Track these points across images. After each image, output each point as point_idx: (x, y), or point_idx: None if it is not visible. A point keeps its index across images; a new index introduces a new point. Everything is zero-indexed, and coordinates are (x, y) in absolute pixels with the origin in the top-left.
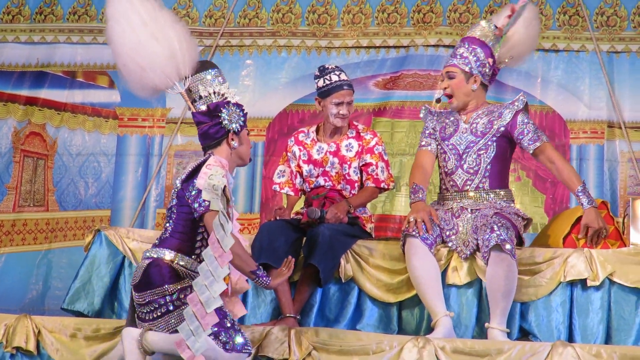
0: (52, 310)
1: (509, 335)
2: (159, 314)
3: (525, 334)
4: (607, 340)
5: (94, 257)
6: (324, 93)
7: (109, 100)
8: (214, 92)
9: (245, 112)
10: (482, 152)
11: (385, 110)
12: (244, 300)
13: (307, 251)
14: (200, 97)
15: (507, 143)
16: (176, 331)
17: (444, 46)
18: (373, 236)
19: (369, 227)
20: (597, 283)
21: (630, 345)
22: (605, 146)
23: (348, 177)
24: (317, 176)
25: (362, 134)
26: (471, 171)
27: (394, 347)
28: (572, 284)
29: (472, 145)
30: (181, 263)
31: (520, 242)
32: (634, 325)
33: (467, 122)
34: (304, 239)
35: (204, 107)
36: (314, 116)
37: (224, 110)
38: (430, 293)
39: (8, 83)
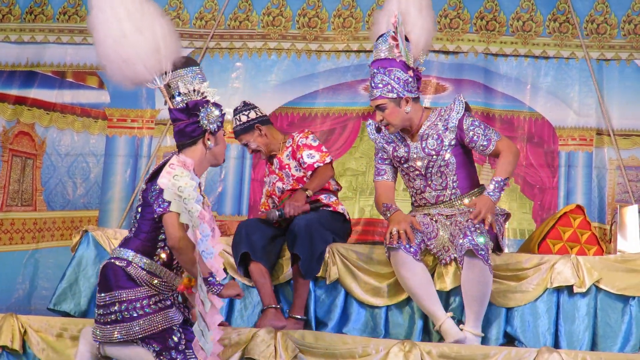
0: (38, 310)
1: (484, 339)
2: (109, 320)
3: (511, 340)
4: (593, 346)
5: (81, 258)
6: (241, 132)
7: (98, 101)
8: (194, 90)
9: (223, 112)
10: (443, 168)
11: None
12: (232, 301)
13: (289, 245)
14: (179, 94)
15: (463, 148)
16: (125, 342)
17: (434, 51)
18: (347, 216)
19: (340, 208)
20: (584, 290)
21: (616, 352)
22: (593, 153)
23: (293, 178)
24: (282, 192)
25: (294, 137)
26: (440, 187)
27: (380, 350)
28: (558, 290)
29: (431, 165)
30: (140, 264)
31: (498, 245)
32: (619, 332)
33: (416, 141)
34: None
35: (182, 105)
36: (304, 119)
37: (202, 110)
38: (426, 299)
39: None
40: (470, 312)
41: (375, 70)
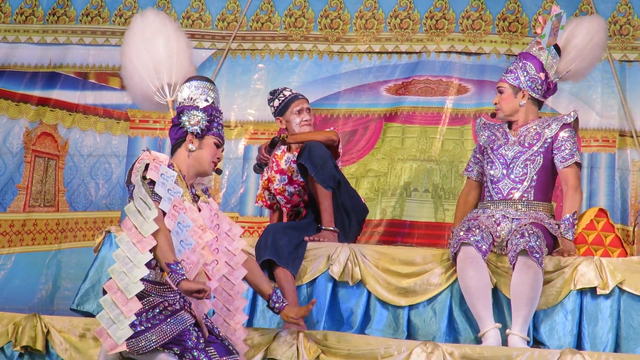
0: (61, 310)
1: (528, 343)
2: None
3: (535, 342)
4: (616, 348)
5: (104, 259)
6: (282, 109)
7: (120, 102)
8: (188, 98)
9: (213, 119)
10: (529, 162)
11: (396, 115)
12: (254, 302)
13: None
14: (179, 103)
15: (552, 157)
16: (140, 353)
17: (456, 52)
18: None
19: None
20: (607, 291)
21: (639, 354)
22: (616, 155)
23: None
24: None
25: None
26: (517, 180)
27: (403, 351)
28: (581, 292)
29: (519, 155)
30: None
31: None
32: None
33: (516, 135)
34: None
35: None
36: (326, 120)
37: (186, 112)
38: (480, 304)
39: (20, 83)
40: (518, 315)
41: (515, 59)
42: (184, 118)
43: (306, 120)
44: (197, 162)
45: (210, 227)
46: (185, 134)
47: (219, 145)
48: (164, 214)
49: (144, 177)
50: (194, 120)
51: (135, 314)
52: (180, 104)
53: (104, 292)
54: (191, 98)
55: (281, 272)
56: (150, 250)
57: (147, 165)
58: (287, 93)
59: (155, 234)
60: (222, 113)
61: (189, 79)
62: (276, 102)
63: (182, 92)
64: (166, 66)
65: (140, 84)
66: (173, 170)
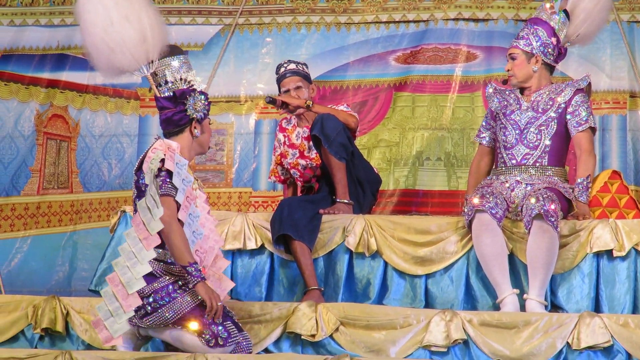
0: (78, 292)
1: (546, 307)
2: (142, 313)
3: (552, 306)
4: (635, 310)
5: (120, 238)
6: (278, 87)
7: (130, 81)
8: (181, 79)
9: (209, 101)
10: (542, 127)
11: (406, 84)
12: (271, 277)
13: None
14: (166, 82)
15: (566, 122)
16: (161, 327)
17: (464, 19)
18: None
19: None
20: (623, 253)
21: None
22: (627, 116)
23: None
24: (305, 168)
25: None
26: (531, 145)
27: (421, 321)
28: (598, 254)
29: (533, 120)
30: (156, 257)
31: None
32: None
33: (529, 101)
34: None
35: (169, 93)
36: (335, 92)
37: (189, 98)
38: (497, 271)
39: (29, 66)
40: (535, 280)
41: (525, 25)
42: (189, 105)
43: (285, 109)
44: (199, 145)
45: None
46: (189, 119)
47: (211, 124)
48: (178, 206)
49: (159, 170)
50: (199, 107)
51: (156, 290)
52: (171, 83)
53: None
54: (185, 79)
55: (298, 246)
56: (162, 247)
57: (157, 156)
58: (280, 70)
59: (170, 234)
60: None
61: (170, 53)
62: (275, 79)
63: (169, 69)
64: (150, 41)
65: (114, 57)
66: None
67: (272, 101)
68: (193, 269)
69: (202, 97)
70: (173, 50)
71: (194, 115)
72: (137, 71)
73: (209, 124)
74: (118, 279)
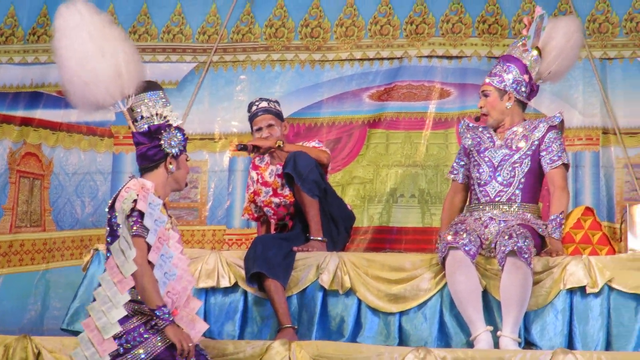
0: (51, 330)
1: (520, 344)
2: (114, 354)
3: (526, 343)
4: (608, 346)
5: (93, 277)
6: (250, 125)
7: (103, 119)
8: (157, 114)
9: (185, 137)
10: (516, 165)
11: (380, 121)
12: (245, 315)
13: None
14: (142, 117)
15: (539, 159)
16: None
17: (438, 57)
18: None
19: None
20: (597, 290)
21: (630, 351)
22: (600, 152)
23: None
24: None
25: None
26: (505, 183)
27: (395, 358)
28: (571, 291)
29: (507, 158)
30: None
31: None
32: (633, 331)
33: (502, 138)
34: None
35: (145, 128)
36: (310, 129)
37: (164, 133)
38: (471, 308)
39: (3, 104)
40: (509, 317)
41: (497, 62)
42: (164, 140)
43: (265, 138)
44: (175, 181)
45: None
46: (164, 155)
47: (188, 160)
48: (149, 248)
49: (132, 210)
50: (174, 142)
51: (127, 331)
52: (147, 118)
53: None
54: (161, 115)
55: (271, 284)
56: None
57: (137, 196)
58: (252, 109)
59: (139, 276)
60: None
61: (147, 89)
62: (247, 117)
63: (145, 104)
64: (125, 75)
65: (89, 92)
66: (155, 196)
67: (243, 148)
68: (162, 312)
69: (178, 132)
70: (150, 86)
71: (169, 151)
72: (113, 106)
73: (186, 160)
74: (93, 324)
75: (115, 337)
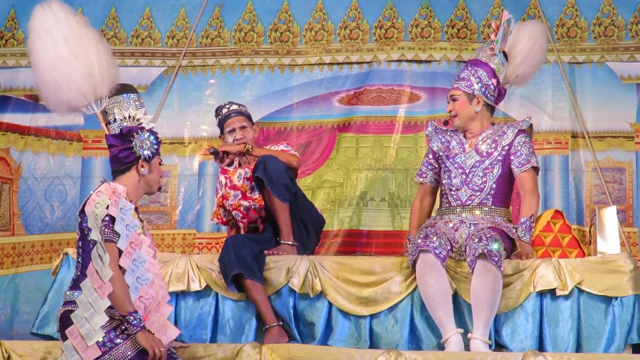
0: (20, 335)
1: (490, 346)
2: None
3: (497, 346)
4: (578, 348)
5: (63, 281)
6: (220, 128)
7: (72, 123)
8: (129, 117)
9: (158, 140)
10: (487, 171)
11: (349, 125)
12: (216, 318)
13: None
14: (115, 120)
15: (509, 164)
16: None
17: (407, 61)
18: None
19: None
20: (566, 292)
21: (600, 353)
22: (569, 156)
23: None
24: (248, 210)
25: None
26: (476, 188)
27: None
28: (541, 294)
29: (478, 164)
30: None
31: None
32: (603, 333)
33: (472, 145)
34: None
35: (117, 131)
36: (279, 133)
37: (136, 136)
38: (441, 310)
39: None
40: (479, 319)
41: (464, 67)
42: (136, 142)
43: (238, 140)
44: (147, 185)
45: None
46: (136, 158)
47: (161, 164)
48: (120, 253)
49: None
50: (146, 145)
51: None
52: (120, 121)
53: (60, 320)
54: (134, 117)
55: (250, 285)
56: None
57: (102, 201)
58: (223, 111)
59: (112, 283)
60: None
61: (121, 91)
62: (216, 121)
63: (119, 107)
64: (98, 77)
65: (62, 92)
66: (127, 201)
67: (215, 152)
68: (132, 317)
69: (151, 135)
70: (124, 88)
71: (140, 153)
72: (86, 108)
73: (159, 164)
74: (77, 331)
75: None
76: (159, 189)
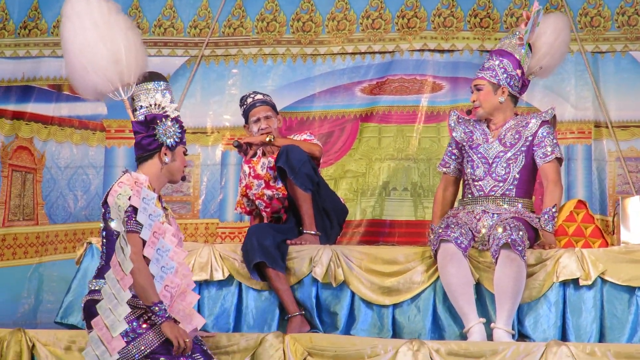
0: (44, 324)
1: (513, 336)
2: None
3: (520, 336)
4: (601, 338)
5: (86, 270)
6: (245, 118)
7: (95, 113)
8: (155, 104)
9: (183, 129)
10: (511, 162)
11: (372, 115)
12: (239, 307)
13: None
14: (141, 107)
15: (532, 155)
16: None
17: (429, 50)
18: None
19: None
20: (590, 282)
21: (623, 343)
22: (592, 146)
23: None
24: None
25: (291, 138)
26: (499, 179)
27: (389, 350)
28: (564, 283)
29: (501, 154)
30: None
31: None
32: (627, 323)
33: (496, 135)
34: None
35: (142, 117)
36: (302, 123)
37: (159, 123)
38: (463, 300)
39: None
40: (503, 309)
41: (489, 56)
42: (159, 130)
43: (263, 129)
44: (170, 173)
45: (178, 241)
46: (158, 145)
47: (186, 153)
48: (144, 243)
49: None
50: (169, 133)
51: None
52: (145, 108)
53: (84, 309)
54: (159, 105)
55: (273, 274)
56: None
57: (124, 192)
58: (248, 101)
59: (134, 273)
60: None
61: (149, 79)
62: (241, 110)
63: (146, 94)
64: (125, 63)
65: (89, 77)
66: (149, 190)
67: (238, 145)
68: (158, 308)
69: (175, 123)
70: (152, 76)
71: (163, 141)
72: (112, 94)
73: (184, 153)
74: (102, 322)
75: None
76: (184, 178)
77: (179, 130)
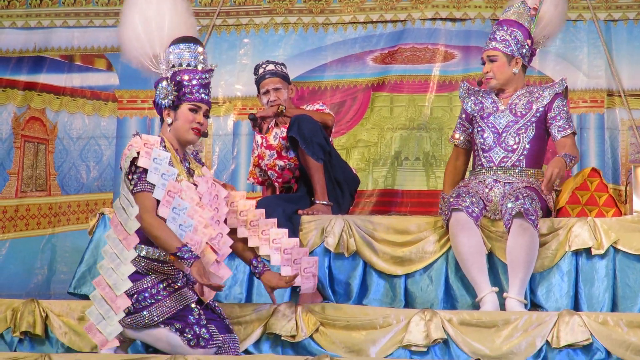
0: (57, 295)
1: (526, 306)
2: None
3: (532, 305)
4: (613, 308)
5: (99, 241)
6: (257, 88)
7: (107, 83)
8: (173, 66)
9: (179, 85)
10: (521, 132)
11: (384, 84)
12: (251, 277)
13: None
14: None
15: (544, 125)
16: (142, 327)
17: (441, 19)
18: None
19: None
20: (602, 252)
21: (636, 312)
22: (605, 115)
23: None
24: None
25: (304, 108)
26: (509, 149)
27: (401, 320)
28: (577, 253)
29: (512, 124)
30: (142, 254)
31: (548, 216)
32: (639, 292)
33: (506, 104)
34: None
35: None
36: (313, 93)
37: (158, 87)
38: (475, 269)
39: (6, 69)
40: (515, 279)
41: (498, 27)
42: (156, 94)
43: (272, 102)
44: (177, 133)
45: (209, 200)
46: (162, 107)
47: (196, 109)
48: (158, 202)
49: (136, 166)
50: (162, 94)
51: (140, 290)
52: (165, 71)
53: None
54: (171, 66)
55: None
56: (141, 242)
57: (137, 153)
58: (260, 71)
59: (148, 230)
60: (204, 71)
61: (176, 42)
62: (254, 80)
63: (166, 58)
64: (157, 35)
65: (137, 49)
66: (165, 149)
67: (254, 118)
68: (183, 251)
69: (166, 84)
70: (179, 39)
71: (160, 102)
72: (150, 62)
73: (192, 110)
74: (104, 281)
75: (127, 295)
76: (205, 135)
77: (173, 88)
